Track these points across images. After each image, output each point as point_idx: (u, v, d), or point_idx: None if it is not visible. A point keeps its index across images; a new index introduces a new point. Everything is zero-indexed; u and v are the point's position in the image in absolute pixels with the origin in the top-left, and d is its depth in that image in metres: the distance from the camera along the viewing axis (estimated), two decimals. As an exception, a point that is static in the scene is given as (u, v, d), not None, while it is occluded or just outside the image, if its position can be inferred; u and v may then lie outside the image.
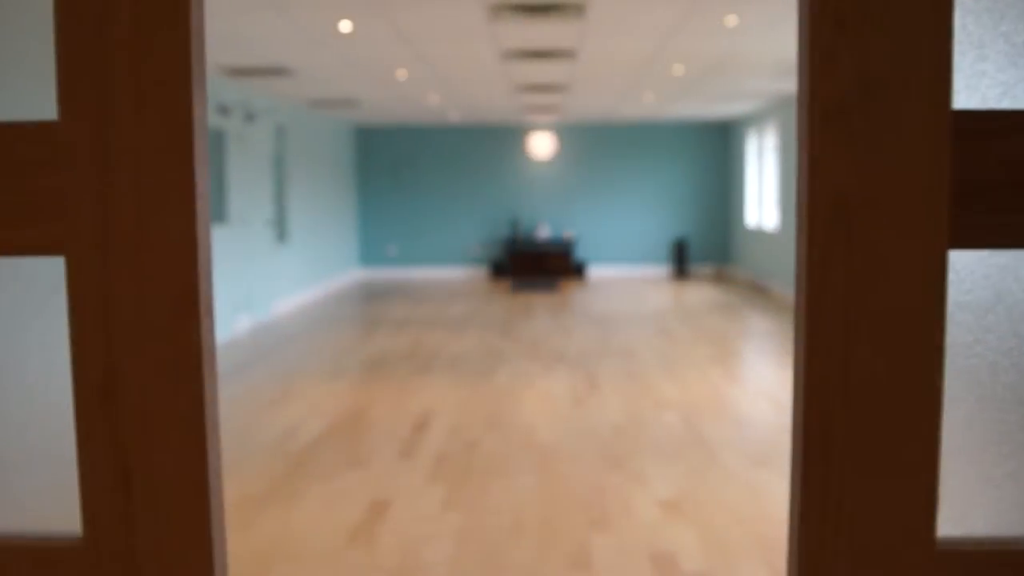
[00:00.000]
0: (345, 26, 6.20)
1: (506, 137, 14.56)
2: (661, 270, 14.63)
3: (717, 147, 14.55)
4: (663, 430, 5.22)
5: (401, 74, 8.54)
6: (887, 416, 0.93)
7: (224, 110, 8.72)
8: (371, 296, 12.20)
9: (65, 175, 0.81)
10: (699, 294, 12.02)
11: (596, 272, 14.60)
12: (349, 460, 4.72)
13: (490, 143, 14.59)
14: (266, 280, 10.08)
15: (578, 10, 5.75)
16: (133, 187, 0.82)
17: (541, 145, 14.32)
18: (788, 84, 9.67)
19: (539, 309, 10.68)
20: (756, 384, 6.52)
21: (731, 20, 6.14)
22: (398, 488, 4.25)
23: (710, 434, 5.12)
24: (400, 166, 14.66)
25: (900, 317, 0.89)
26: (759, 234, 12.82)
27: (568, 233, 14.45)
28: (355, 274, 14.67)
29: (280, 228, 10.78)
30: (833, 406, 0.95)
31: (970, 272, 0.84)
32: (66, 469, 0.76)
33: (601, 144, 14.50)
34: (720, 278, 14.20)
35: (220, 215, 8.81)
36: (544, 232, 14.40)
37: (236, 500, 4.12)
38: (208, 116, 8.65)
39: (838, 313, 0.91)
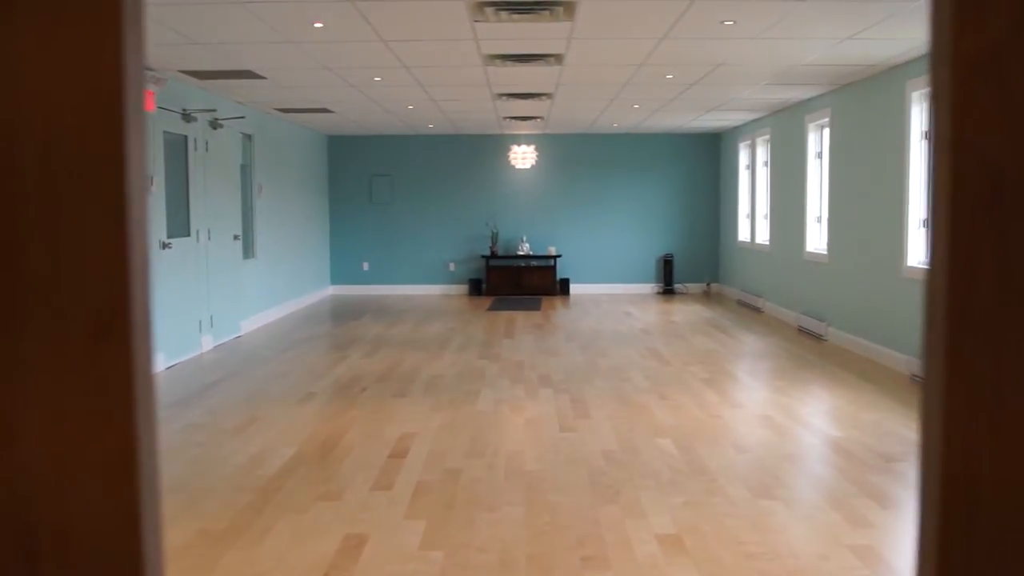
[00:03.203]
0: (317, 27, 6.00)
1: (487, 148, 14.38)
2: (647, 287, 14.48)
3: (707, 160, 14.46)
4: (658, 457, 5.00)
5: (376, 79, 8.35)
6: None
7: (188, 116, 8.48)
8: (344, 314, 11.94)
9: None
10: (688, 312, 11.87)
11: (580, 289, 14.43)
12: (321, 491, 4.44)
13: (470, 154, 14.40)
14: (232, 297, 9.79)
15: (567, 10, 5.58)
16: (37, 163, 0.62)
17: (523, 156, 14.12)
18: (781, 94, 9.58)
19: (522, 328, 10.48)
20: (753, 408, 6.34)
21: (725, 26, 6.01)
22: (374, 522, 3.98)
23: (708, 461, 4.90)
24: (375, 177, 14.43)
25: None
26: (750, 251, 12.69)
27: (551, 249, 14.27)
28: (327, 291, 14.41)
29: (247, 242, 10.49)
30: (979, 457, 0.73)
31: None
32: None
33: (586, 156, 14.35)
34: (708, 295, 14.09)
35: (183, 228, 8.54)
36: (525, 247, 14.22)
37: (196, 537, 3.83)
38: (171, 121, 8.41)
39: (988, 329, 0.70)
